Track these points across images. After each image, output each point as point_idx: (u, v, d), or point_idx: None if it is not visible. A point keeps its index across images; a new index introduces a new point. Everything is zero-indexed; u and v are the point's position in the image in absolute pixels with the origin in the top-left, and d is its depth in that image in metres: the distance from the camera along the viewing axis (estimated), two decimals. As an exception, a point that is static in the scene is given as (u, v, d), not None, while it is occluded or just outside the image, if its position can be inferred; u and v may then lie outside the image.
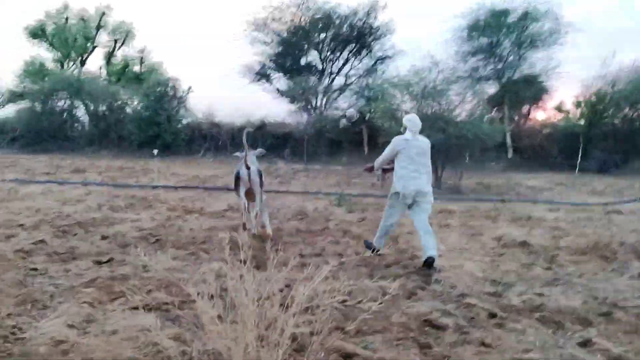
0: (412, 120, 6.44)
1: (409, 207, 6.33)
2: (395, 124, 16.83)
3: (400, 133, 6.63)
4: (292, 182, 17.35)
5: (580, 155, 24.09)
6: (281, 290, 3.87)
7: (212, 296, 3.09)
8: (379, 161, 6.70)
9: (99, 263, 5.74)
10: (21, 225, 7.79)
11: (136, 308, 4.10)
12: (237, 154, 8.06)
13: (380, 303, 3.14)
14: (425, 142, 6.43)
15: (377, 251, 6.36)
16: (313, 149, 26.02)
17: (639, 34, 42.35)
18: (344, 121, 26.94)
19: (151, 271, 5.30)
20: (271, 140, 26.57)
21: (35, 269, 5.32)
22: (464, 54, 25.93)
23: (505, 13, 24.69)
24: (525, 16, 24.71)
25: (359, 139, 26.44)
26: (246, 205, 7.55)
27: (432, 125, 15.82)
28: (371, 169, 7.01)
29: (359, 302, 3.56)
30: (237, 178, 7.50)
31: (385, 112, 17.06)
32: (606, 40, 41.33)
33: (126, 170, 19.11)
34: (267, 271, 3.19)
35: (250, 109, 29.36)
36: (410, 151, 6.26)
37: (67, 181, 14.38)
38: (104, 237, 7.12)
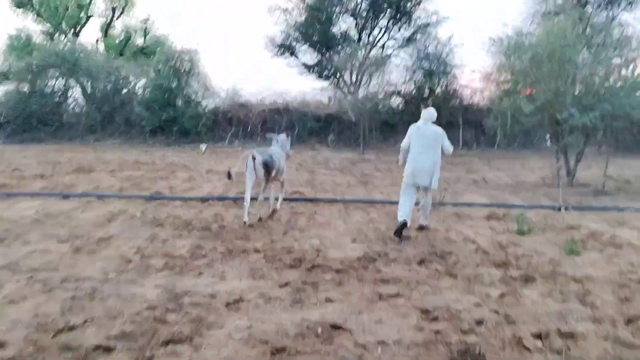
0: (426, 111, 7.39)
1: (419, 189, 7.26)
2: (514, 103, 12.32)
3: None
4: (373, 180, 12.86)
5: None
6: None
7: None
8: (401, 149, 7.42)
9: None
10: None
11: None
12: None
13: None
14: (434, 131, 7.16)
15: (404, 225, 6.77)
16: (362, 132, 21.48)
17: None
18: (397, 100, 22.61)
19: None
20: (311, 124, 22.01)
21: None
22: (541, 15, 21.32)
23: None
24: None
25: (416, 120, 21.86)
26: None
27: (578, 102, 11.42)
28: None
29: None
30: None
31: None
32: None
33: (146, 167, 14.55)
34: None
35: (284, 87, 24.66)
36: (419, 137, 7.15)
37: (74, 193, 9.84)
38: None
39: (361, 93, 23.26)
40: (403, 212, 6.92)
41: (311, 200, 9.52)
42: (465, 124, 21.48)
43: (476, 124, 21.45)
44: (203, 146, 10.87)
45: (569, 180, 12.55)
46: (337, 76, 27.03)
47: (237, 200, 9.38)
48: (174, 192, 10.22)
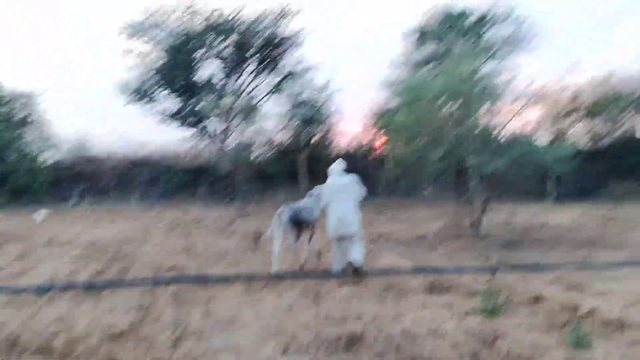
0: (334, 165, 7.80)
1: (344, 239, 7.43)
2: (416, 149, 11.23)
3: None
4: (264, 244, 10.77)
5: (554, 180, 20.47)
6: None
7: None
8: (324, 207, 7.75)
9: None
10: None
11: None
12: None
13: None
14: (346, 180, 7.61)
15: (343, 273, 7.35)
16: (235, 185, 19.35)
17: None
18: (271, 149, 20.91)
19: None
20: (178, 178, 19.35)
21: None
22: (414, 64, 21.27)
23: (463, 15, 20.49)
24: (484, 18, 20.76)
25: (295, 171, 20.32)
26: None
27: (484, 147, 10.57)
28: None
29: None
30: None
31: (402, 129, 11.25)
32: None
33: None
34: None
35: (143, 137, 21.81)
36: (334, 189, 7.54)
37: None
38: None
39: (232, 142, 21.21)
40: (337, 266, 7.47)
41: (198, 279, 7.17)
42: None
43: (356, 173, 20.44)
44: (40, 214, 7.98)
45: (475, 232, 11.55)
46: (202, 125, 24.85)
47: (90, 289, 6.76)
48: (-4, 280, 7.25)
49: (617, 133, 21.80)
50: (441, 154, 10.27)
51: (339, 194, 7.46)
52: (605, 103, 21.17)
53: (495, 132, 11.01)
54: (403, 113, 11.23)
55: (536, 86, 12.12)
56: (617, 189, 20.42)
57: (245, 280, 7.05)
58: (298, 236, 7.94)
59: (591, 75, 20.67)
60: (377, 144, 18.20)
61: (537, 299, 6.08)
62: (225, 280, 7.14)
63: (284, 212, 7.79)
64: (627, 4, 41.38)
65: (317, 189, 8.36)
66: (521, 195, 17.56)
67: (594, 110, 21.58)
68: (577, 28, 38.04)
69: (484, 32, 20.88)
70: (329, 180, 7.70)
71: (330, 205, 7.50)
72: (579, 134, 22.32)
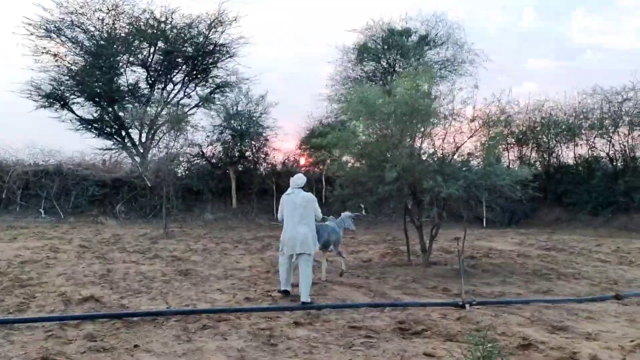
0: (293, 179, 7.34)
1: (296, 256, 6.96)
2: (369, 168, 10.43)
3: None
4: (195, 268, 9.44)
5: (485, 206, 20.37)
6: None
7: None
8: (279, 220, 7.38)
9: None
10: None
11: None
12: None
13: None
14: (304, 197, 7.07)
15: (288, 293, 7.12)
16: (159, 200, 17.70)
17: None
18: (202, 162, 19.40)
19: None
20: (93, 190, 17.38)
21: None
22: (352, 81, 20.68)
23: (406, 32, 20.15)
24: (425, 39, 20.55)
25: (224, 187, 18.95)
26: None
27: (439, 169, 9.91)
28: None
29: None
30: None
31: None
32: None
33: None
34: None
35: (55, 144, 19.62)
36: (290, 204, 7.05)
37: None
38: None
39: (156, 154, 19.54)
40: (283, 283, 7.20)
41: (120, 316, 5.79)
42: (278, 191, 19.25)
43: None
44: None
45: (425, 259, 10.79)
46: (123, 134, 22.94)
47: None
48: None
49: (547, 160, 22.18)
50: (395, 175, 9.41)
51: (295, 208, 7.02)
52: (537, 130, 21.51)
53: (450, 154, 10.38)
54: (352, 129, 10.38)
55: (478, 110, 11.70)
56: (547, 216, 20.62)
57: (176, 318, 5.78)
58: None
59: (523, 103, 20.85)
60: (315, 160, 17.24)
61: (527, 345, 5.26)
62: (154, 316, 5.82)
63: None
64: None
65: (344, 214, 9.07)
66: (455, 220, 17.18)
67: (525, 136, 21.87)
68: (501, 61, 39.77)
69: (425, 53, 20.68)
70: (287, 192, 7.28)
71: (285, 219, 7.11)
72: (511, 160, 22.51)
